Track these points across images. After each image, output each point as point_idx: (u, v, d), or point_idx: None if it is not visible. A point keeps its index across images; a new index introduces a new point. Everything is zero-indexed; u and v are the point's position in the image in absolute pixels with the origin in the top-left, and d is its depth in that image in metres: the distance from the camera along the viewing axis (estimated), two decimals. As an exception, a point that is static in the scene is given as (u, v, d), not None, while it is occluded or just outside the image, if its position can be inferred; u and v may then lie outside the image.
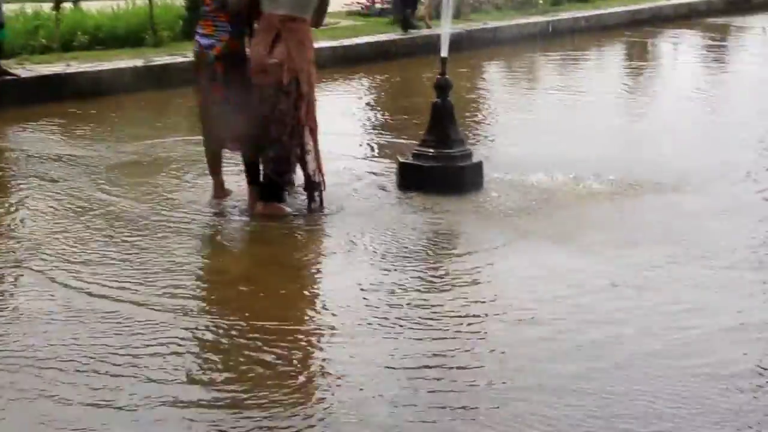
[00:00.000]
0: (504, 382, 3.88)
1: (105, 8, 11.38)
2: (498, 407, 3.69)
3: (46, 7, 11.02)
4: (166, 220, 5.85)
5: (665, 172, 6.87)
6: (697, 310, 4.61)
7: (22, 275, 4.96)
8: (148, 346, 4.15)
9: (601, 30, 14.17)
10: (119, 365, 3.97)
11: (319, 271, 5.28)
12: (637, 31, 14.33)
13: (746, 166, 7.10)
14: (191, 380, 3.89)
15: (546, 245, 5.48)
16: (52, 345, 4.15)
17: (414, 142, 6.85)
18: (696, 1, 16.59)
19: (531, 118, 9.02)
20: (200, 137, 6.42)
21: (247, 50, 6.05)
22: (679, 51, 13.79)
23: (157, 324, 4.37)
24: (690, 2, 16.39)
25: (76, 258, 5.17)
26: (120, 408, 3.66)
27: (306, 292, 4.99)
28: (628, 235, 5.62)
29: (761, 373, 3.97)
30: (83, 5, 11.62)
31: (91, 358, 4.03)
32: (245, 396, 3.77)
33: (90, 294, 4.69)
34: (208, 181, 6.33)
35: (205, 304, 4.71)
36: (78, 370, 3.93)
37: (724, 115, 9.07)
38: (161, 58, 10.31)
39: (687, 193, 6.47)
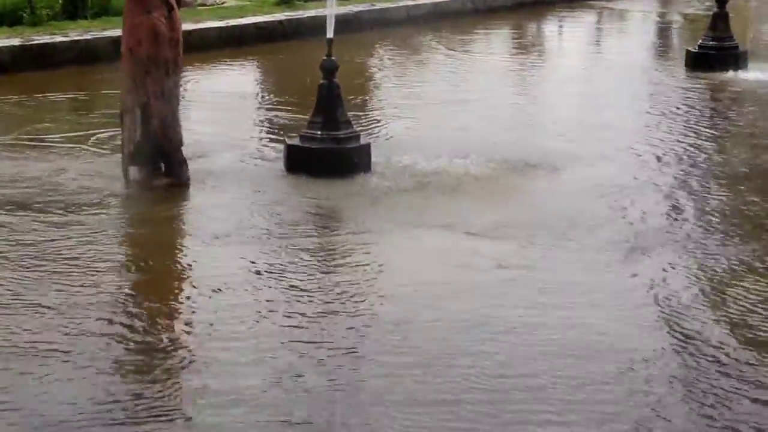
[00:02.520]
0: (383, 359, 3.91)
1: (-21, -15, 10.97)
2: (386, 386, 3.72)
3: None
4: (44, 201, 5.71)
5: (547, 153, 6.99)
6: (575, 288, 4.72)
7: None
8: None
9: (487, 12, 14.32)
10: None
11: (203, 252, 5.18)
12: (523, 13, 14.54)
13: (622, 149, 7.25)
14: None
15: (430, 226, 5.52)
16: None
17: (302, 123, 6.81)
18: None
19: (418, 100, 9.06)
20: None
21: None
22: (563, 33, 14.05)
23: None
24: (574, -15, 16.70)
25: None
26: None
27: (188, 273, 4.90)
28: (511, 216, 5.69)
29: (634, 356, 4.08)
30: (-44, -19, 11.18)
31: None
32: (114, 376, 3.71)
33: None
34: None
35: (87, 290, 4.60)
36: None
37: (603, 99, 9.26)
38: (40, 38, 10.01)
39: (569, 174, 6.59)
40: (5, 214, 5.52)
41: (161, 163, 6.20)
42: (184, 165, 6.17)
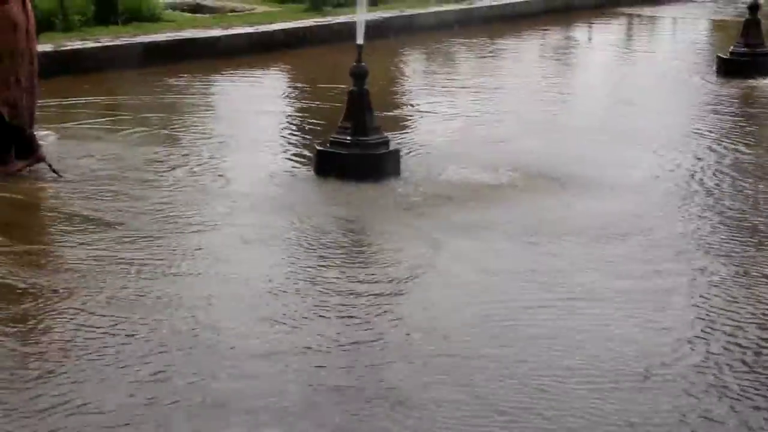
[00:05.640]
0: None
1: (13, -9, 11.04)
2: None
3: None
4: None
5: (576, 161, 6.94)
6: (592, 295, 4.75)
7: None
8: None
9: (515, 19, 14.28)
10: None
11: (228, 260, 5.17)
12: (552, 20, 14.48)
13: (651, 159, 7.20)
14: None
15: (461, 234, 5.51)
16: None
17: (332, 129, 6.82)
18: (609, -10, 16.81)
19: (448, 107, 9.03)
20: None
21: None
22: (594, 41, 13.97)
23: None
24: (603, -8, 16.60)
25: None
26: None
27: (207, 279, 4.90)
28: (538, 226, 5.66)
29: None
30: (-10, -12, 11.26)
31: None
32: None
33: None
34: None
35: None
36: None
37: (639, 110, 9.16)
38: (72, 43, 10.09)
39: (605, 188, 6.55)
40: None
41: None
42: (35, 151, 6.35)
